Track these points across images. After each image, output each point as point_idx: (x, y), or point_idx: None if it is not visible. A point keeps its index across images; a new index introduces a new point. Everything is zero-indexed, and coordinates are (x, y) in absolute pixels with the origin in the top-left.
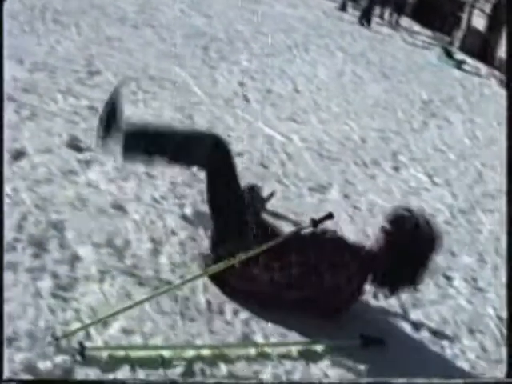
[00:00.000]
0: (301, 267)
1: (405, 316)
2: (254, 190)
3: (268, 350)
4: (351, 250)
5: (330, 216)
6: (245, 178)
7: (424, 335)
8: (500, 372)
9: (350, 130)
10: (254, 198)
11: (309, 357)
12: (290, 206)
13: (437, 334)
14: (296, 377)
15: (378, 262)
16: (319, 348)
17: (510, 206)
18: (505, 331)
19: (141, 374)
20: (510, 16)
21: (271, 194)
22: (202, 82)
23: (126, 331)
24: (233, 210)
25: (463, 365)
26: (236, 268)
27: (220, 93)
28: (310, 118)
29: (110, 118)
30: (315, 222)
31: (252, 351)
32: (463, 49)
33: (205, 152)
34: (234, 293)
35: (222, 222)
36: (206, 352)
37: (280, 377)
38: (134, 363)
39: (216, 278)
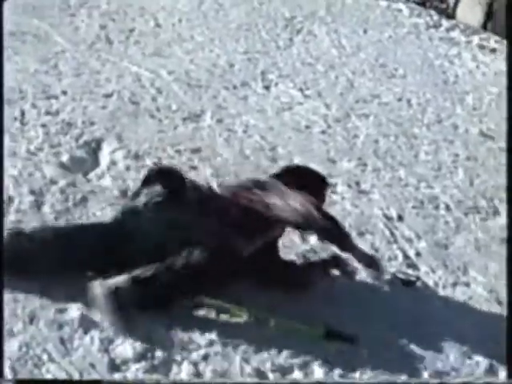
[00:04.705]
0: None
1: None
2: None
3: None
4: None
5: None
6: (117, 118)
7: (312, 243)
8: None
9: (217, 57)
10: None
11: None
12: (166, 138)
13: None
14: None
15: None
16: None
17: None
18: (394, 231)
19: None
20: None
21: None
22: (63, 30)
23: None
24: None
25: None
26: None
27: (83, 38)
28: (174, 50)
29: None
30: None
31: None
32: None
33: None
34: None
35: None
36: None
37: None
38: None
39: None
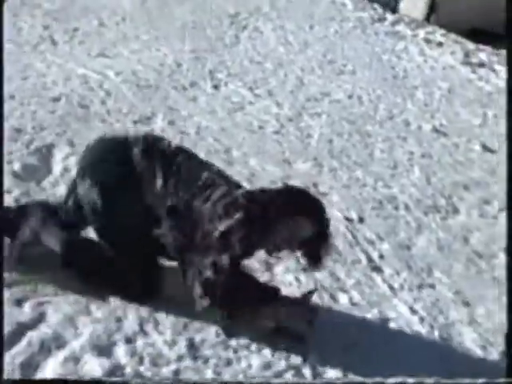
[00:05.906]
0: None
1: None
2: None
3: None
4: None
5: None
6: (67, 123)
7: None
8: None
9: (164, 56)
10: None
11: None
12: None
13: None
14: None
15: None
16: None
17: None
18: (356, 233)
19: None
20: None
21: None
22: (5, 31)
23: None
24: None
25: (322, 275)
26: None
27: (26, 39)
28: (120, 50)
29: None
30: None
31: None
32: None
33: None
34: None
35: None
36: None
37: None
38: None
39: None
